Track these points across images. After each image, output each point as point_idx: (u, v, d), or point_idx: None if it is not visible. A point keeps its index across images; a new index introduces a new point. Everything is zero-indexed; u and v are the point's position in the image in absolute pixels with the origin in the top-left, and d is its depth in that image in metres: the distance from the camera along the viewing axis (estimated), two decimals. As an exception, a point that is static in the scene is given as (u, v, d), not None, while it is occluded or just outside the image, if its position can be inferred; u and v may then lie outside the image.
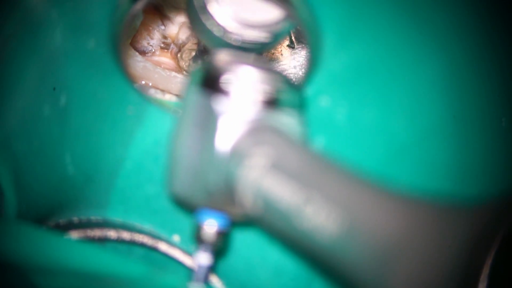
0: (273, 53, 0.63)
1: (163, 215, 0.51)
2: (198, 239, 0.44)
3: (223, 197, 0.41)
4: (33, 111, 0.48)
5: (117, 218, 0.51)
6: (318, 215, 0.34)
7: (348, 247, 0.33)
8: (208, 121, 0.41)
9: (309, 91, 0.49)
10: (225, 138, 0.40)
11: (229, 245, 0.50)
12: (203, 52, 0.64)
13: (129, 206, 0.51)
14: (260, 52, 0.57)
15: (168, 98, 0.62)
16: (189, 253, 0.51)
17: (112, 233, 0.50)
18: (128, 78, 0.50)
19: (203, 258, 0.44)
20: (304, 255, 0.40)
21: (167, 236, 0.51)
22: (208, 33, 0.50)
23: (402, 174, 0.51)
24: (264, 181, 0.38)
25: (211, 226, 0.43)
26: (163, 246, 0.50)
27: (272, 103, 0.41)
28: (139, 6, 0.48)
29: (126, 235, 0.50)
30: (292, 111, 0.42)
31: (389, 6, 0.50)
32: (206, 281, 0.45)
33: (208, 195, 0.41)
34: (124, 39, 0.54)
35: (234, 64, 0.42)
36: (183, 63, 0.64)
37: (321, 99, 0.50)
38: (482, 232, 0.27)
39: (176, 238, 0.51)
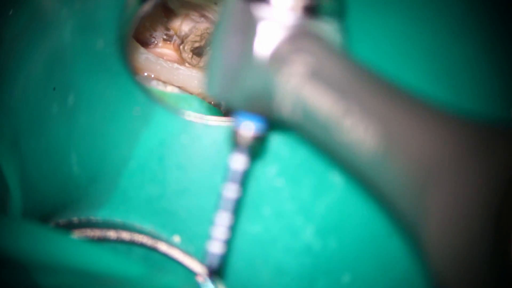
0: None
1: (164, 215, 0.52)
2: (234, 141, 0.44)
3: (261, 102, 0.41)
4: (41, 110, 0.49)
5: (117, 218, 0.52)
6: (356, 129, 0.34)
7: (385, 165, 0.33)
8: (248, 26, 0.41)
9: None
10: (265, 44, 0.40)
11: (265, 149, 0.51)
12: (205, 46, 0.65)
13: (130, 206, 0.52)
14: None
15: (170, 90, 0.63)
16: (189, 254, 0.52)
17: (112, 233, 0.50)
18: (135, 78, 0.51)
19: (239, 161, 0.45)
20: (342, 166, 0.40)
21: (167, 236, 0.52)
22: None
23: None
24: (303, 89, 0.38)
25: (247, 129, 0.44)
26: (163, 247, 0.51)
27: (312, 9, 0.41)
28: (147, 6, 0.49)
29: (126, 235, 0.51)
30: (332, 18, 0.42)
31: (394, 5, 0.51)
32: (241, 183, 0.45)
33: (245, 99, 0.42)
34: (130, 38, 0.55)
35: None
36: (186, 55, 0.65)
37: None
38: None
39: (176, 238, 0.52)
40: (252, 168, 0.50)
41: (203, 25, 0.65)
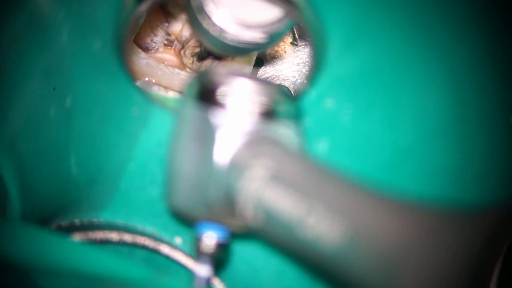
0: (276, 51, 0.64)
1: (165, 217, 0.52)
2: (197, 250, 0.44)
3: (223, 209, 0.41)
4: (38, 112, 0.48)
5: (119, 220, 0.52)
6: (321, 225, 0.35)
7: (352, 255, 0.33)
8: (206, 134, 0.41)
9: (314, 93, 0.50)
10: (224, 151, 0.41)
11: (229, 257, 0.51)
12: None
13: (132, 208, 0.52)
14: (256, 52, 0.58)
15: (171, 95, 0.63)
16: (191, 256, 0.51)
17: (114, 235, 0.50)
18: (133, 79, 0.51)
19: (203, 270, 0.45)
20: (307, 264, 0.40)
21: (169, 238, 0.52)
22: (205, 32, 0.51)
23: (406, 179, 0.51)
24: (265, 192, 0.38)
25: (210, 238, 0.44)
26: (165, 249, 0.51)
27: (269, 114, 0.42)
28: (144, 7, 0.49)
29: (128, 237, 0.50)
30: (289, 121, 0.43)
31: (394, 9, 0.50)
32: None
33: (208, 207, 0.42)
34: (128, 39, 0.54)
35: (229, 77, 0.42)
36: (187, 60, 0.65)
37: (326, 101, 0.51)
38: (488, 238, 0.28)
39: (178, 240, 0.52)
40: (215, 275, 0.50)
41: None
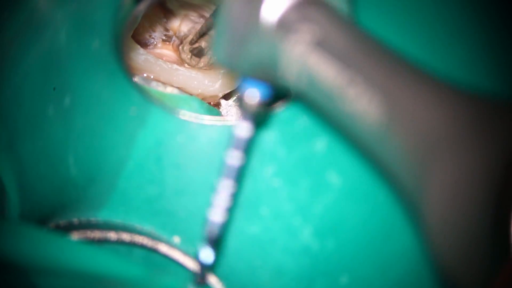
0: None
1: (163, 216, 0.52)
2: (239, 108, 0.44)
3: (267, 69, 0.41)
4: (37, 112, 0.48)
5: (117, 219, 0.51)
6: (360, 99, 0.34)
7: (387, 138, 0.33)
8: None
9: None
10: (271, 11, 0.39)
11: (269, 118, 0.50)
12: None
13: (130, 207, 0.52)
14: None
15: (170, 91, 0.63)
16: (190, 255, 0.51)
17: (112, 235, 0.50)
18: (131, 78, 0.51)
19: (244, 129, 0.44)
20: (346, 136, 0.40)
21: (168, 237, 0.52)
22: None
23: None
24: (309, 58, 0.37)
25: (253, 96, 0.43)
26: (163, 248, 0.51)
27: None
28: (142, 6, 0.49)
29: (126, 236, 0.51)
30: None
31: (391, 7, 0.50)
32: (245, 150, 0.45)
33: (251, 66, 0.41)
34: (126, 35, 0.54)
35: None
36: (185, 55, 0.65)
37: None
38: None
39: (176, 239, 0.52)
40: (256, 138, 0.49)
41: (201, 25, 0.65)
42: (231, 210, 0.48)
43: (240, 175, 0.46)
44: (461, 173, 0.29)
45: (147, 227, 0.52)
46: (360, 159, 0.48)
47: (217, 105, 0.65)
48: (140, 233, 0.51)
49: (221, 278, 0.51)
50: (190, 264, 0.51)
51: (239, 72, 0.43)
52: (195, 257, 0.49)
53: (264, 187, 0.51)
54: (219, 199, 0.46)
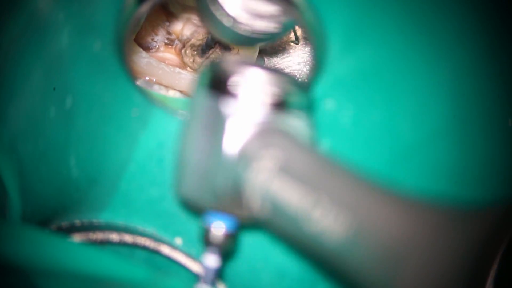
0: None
1: (165, 218, 0.52)
2: (206, 241, 0.44)
3: (231, 200, 0.41)
4: (38, 113, 0.48)
5: (119, 221, 0.52)
6: (326, 219, 0.34)
7: (355, 250, 0.33)
8: (216, 124, 0.41)
9: (314, 94, 0.50)
10: (233, 141, 0.40)
11: (237, 247, 0.51)
12: (207, 47, 0.64)
13: (132, 209, 0.52)
14: (268, 42, 0.58)
15: (172, 94, 0.63)
16: (192, 256, 0.51)
17: (114, 236, 0.50)
18: (133, 80, 0.51)
19: (211, 261, 0.44)
20: (311, 257, 0.40)
21: (170, 239, 0.52)
22: (218, 23, 0.50)
23: (407, 177, 0.51)
24: (272, 184, 0.38)
25: (219, 228, 0.43)
26: (165, 249, 0.51)
27: (280, 105, 0.41)
28: (144, 8, 0.49)
29: (128, 238, 0.50)
30: (300, 113, 0.42)
31: (395, 10, 0.50)
32: (213, 283, 0.45)
33: (216, 197, 0.41)
34: (129, 38, 0.54)
35: (241, 66, 0.42)
36: (187, 59, 0.65)
37: (327, 102, 0.50)
38: (488, 236, 0.28)
39: (178, 241, 0.52)
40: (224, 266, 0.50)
41: (204, 29, 0.65)
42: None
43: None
44: (427, 280, 0.29)
45: (149, 229, 0.52)
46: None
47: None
48: (142, 234, 0.51)
49: (223, 279, 0.51)
50: (192, 265, 0.51)
51: (204, 205, 0.43)
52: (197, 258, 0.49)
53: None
54: None
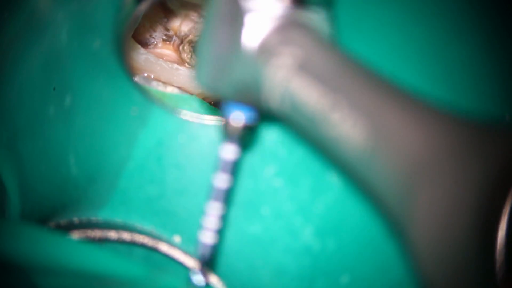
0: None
1: (164, 216, 0.52)
2: (224, 131, 0.44)
3: (250, 94, 0.40)
4: (38, 111, 0.48)
5: (118, 218, 0.52)
6: (344, 123, 0.33)
7: (372, 162, 0.32)
8: (236, 18, 0.40)
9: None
10: (252, 35, 0.39)
11: (254, 139, 0.51)
12: None
13: (131, 206, 0.52)
14: None
15: (170, 90, 0.63)
16: (190, 254, 0.51)
17: (112, 234, 0.50)
18: (132, 78, 0.51)
19: (229, 152, 0.44)
20: (330, 159, 0.39)
21: (168, 237, 0.52)
22: None
23: None
24: (291, 82, 0.37)
25: (237, 119, 0.43)
26: (163, 247, 0.51)
27: (300, 0, 0.40)
28: (143, 6, 0.49)
29: (126, 235, 0.51)
30: (320, 8, 0.41)
31: (392, 6, 0.50)
32: (232, 173, 0.45)
33: (235, 90, 0.41)
34: (127, 36, 0.54)
35: None
36: (185, 55, 0.65)
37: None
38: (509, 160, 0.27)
39: (176, 239, 0.52)
40: (243, 159, 0.50)
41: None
42: (221, 232, 0.48)
43: (228, 197, 0.47)
44: (447, 196, 0.29)
45: (148, 227, 0.52)
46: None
47: (218, 104, 0.65)
48: (140, 232, 0.51)
49: (221, 277, 0.51)
50: (191, 263, 0.51)
51: (223, 96, 0.43)
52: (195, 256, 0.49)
53: (265, 187, 0.51)
54: (209, 221, 0.46)
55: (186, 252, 0.52)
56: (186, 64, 0.65)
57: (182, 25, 0.65)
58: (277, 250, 0.52)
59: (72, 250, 0.42)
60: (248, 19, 0.39)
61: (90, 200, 0.52)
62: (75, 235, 0.50)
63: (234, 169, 0.45)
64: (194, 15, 0.65)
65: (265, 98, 0.39)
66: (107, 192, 0.51)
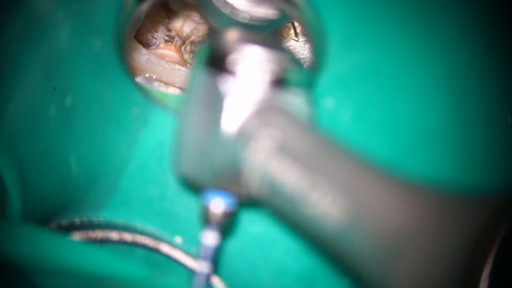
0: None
1: (165, 216, 0.52)
2: (205, 219, 0.44)
3: (230, 178, 0.40)
4: (38, 111, 0.48)
5: (119, 219, 0.51)
6: (323, 201, 0.34)
7: (352, 236, 0.33)
8: (214, 102, 0.40)
9: (314, 92, 0.50)
10: (231, 119, 0.40)
11: (235, 225, 0.51)
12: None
13: (132, 207, 0.51)
14: (268, 30, 0.57)
15: (172, 91, 0.63)
16: (191, 255, 0.51)
17: (114, 235, 0.50)
18: (133, 78, 0.51)
19: (210, 238, 0.44)
20: (309, 240, 0.39)
21: (169, 237, 0.52)
22: (216, 11, 0.49)
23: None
24: (270, 164, 0.37)
25: (217, 205, 0.43)
26: (165, 248, 0.51)
27: (279, 83, 0.40)
28: (144, 6, 0.48)
29: (128, 236, 0.50)
30: (299, 91, 0.42)
31: (394, 7, 0.50)
32: (212, 261, 0.45)
33: (214, 175, 0.41)
34: (129, 36, 0.54)
35: (240, 43, 0.41)
36: (187, 56, 0.65)
37: (326, 100, 0.50)
38: (487, 225, 0.27)
39: (178, 239, 0.52)
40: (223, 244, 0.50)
41: (204, 26, 0.65)
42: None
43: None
44: (426, 266, 0.29)
45: (149, 227, 0.52)
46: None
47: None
48: (142, 233, 0.51)
49: (222, 278, 0.51)
50: (192, 264, 0.51)
51: (203, 184, 0.43)
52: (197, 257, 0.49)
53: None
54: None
55: (187, 252, 0.52)
56: (188, 65, 0.65)
57: (184, 25, 0.65)
58: (278, 250, 0.52)
59: (73, 251, 0.42)
60: (227, 103, 0.40)
61: (91, 200, 0.51)
62: (76, 236, 0.50)
63: (215, 255, 0.45)
64: (196, 16, 0.65)
65: (244, 182, 0.39)
66: (108, 193, 0.51)
